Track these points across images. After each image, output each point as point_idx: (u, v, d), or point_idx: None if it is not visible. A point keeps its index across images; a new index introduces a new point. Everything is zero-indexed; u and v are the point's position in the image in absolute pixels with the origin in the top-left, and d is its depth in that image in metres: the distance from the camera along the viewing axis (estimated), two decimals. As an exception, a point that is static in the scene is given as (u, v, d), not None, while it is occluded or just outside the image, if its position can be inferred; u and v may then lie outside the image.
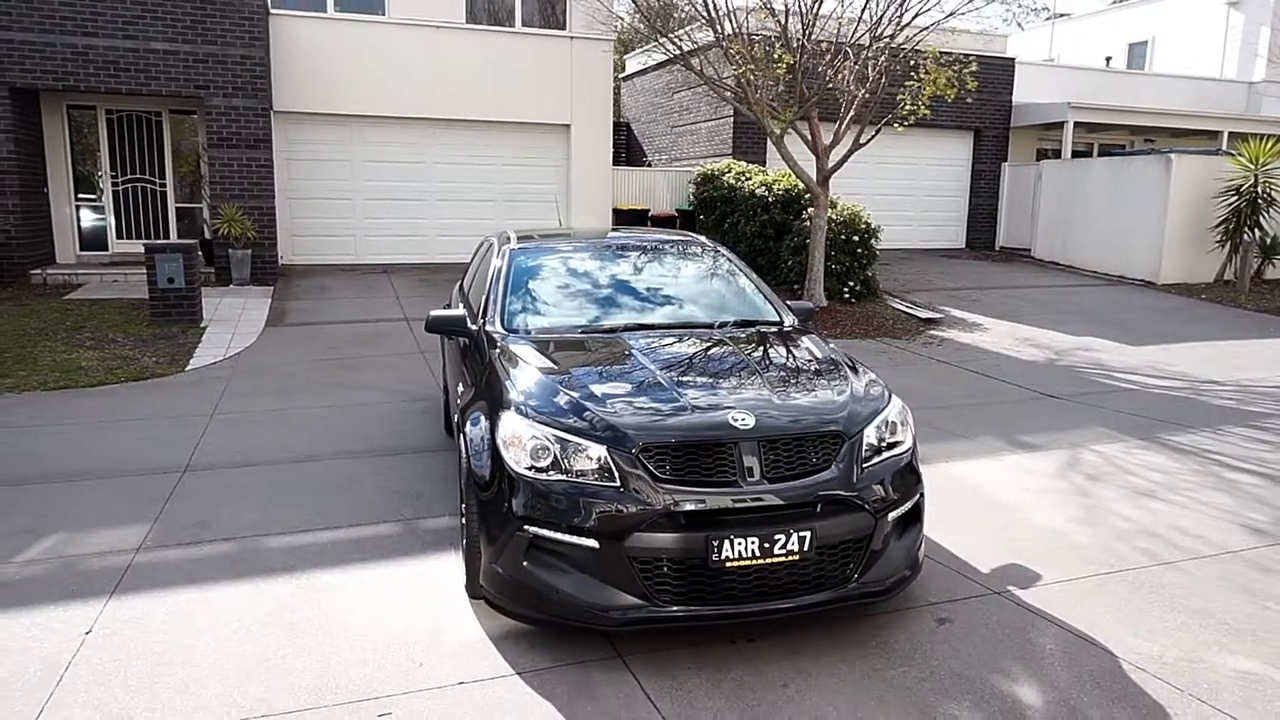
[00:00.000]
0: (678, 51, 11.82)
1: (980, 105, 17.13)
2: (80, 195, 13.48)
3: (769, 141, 13.81)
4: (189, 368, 8.65)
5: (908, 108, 11.10)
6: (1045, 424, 7.02)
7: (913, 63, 11.08)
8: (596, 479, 3.22)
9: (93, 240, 13.62)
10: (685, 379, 3.72)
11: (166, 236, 13.80)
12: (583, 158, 15.55)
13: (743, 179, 14.22)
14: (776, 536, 3.19)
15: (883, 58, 10.92)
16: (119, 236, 13.66)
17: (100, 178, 13.51)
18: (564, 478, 3.24)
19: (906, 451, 3.66)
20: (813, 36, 10.84)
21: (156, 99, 12.97)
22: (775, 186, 13.55)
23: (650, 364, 3.81)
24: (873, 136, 11.29)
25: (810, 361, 4.08)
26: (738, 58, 10.84)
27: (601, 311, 4.58)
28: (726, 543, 3.14)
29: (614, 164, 20.13)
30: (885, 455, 3.56)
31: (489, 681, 3.16)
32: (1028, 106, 17.29)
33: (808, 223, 12.09)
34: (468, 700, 3.05)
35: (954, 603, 3.81)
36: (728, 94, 11.75)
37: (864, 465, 3.44)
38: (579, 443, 3.27)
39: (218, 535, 4.63)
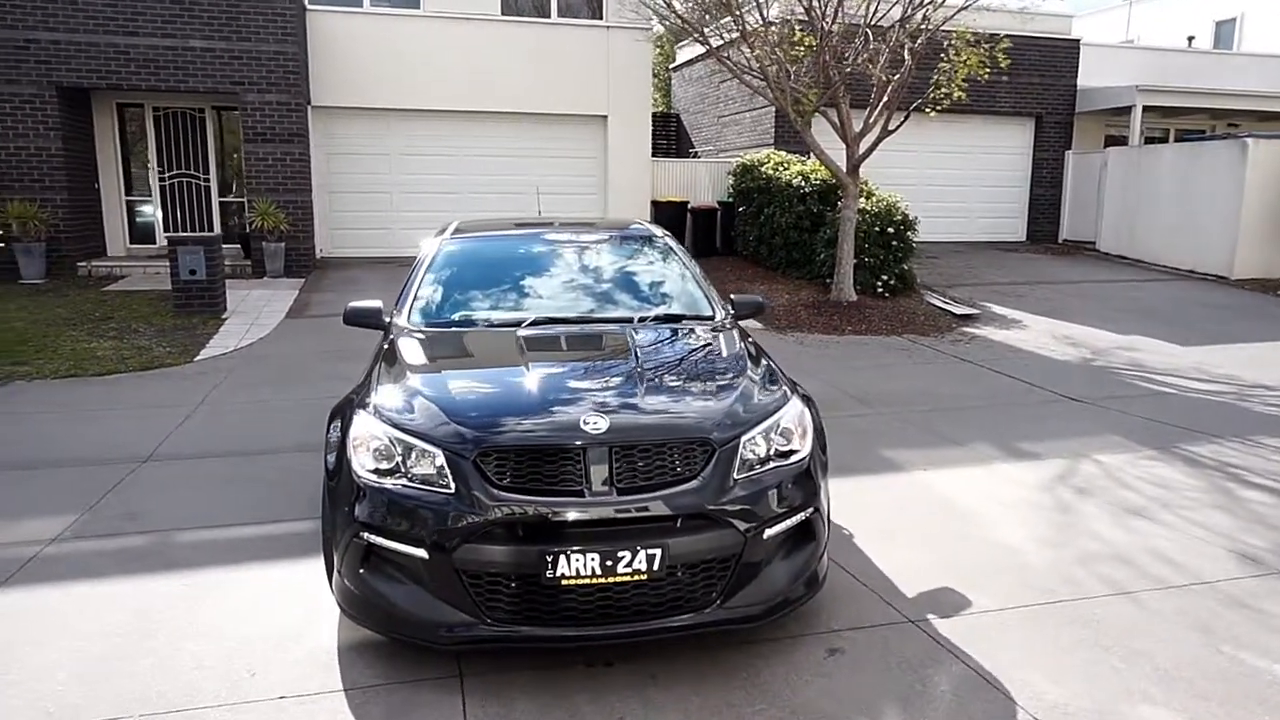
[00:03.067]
0: (699, 36, 11.44)
1: (1042, 90, 16.22)
2: (130, 190, 13.95)
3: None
4: (198, 358, 8.77)
5: (941, 91, 10.49)
6: (1054, 430, 6.47)
7: (945, 44, 10.46)
8: (432, 484, 2.99)
9: (143, 233, 14.08)
10: (556, 378, 3.46)
11: (210, 230, 14.16)
12: (620, 149, 15.32)
13: (780, 169, 13.76)
14: (620, 554, 2.90)
15: (919, 40, 10.34)
16: (166, 229, 14.07)
17: (149, 173, 13.95)
18: (402, 483, 3.03)
19: (801, 461, 3.31)
20: (839, 18, 10.33)
21: (197, 96, 13.28)
22: (812, 177, 13.06)
23: (528, 362, 3.55)
24: (901, 123, 10.70)
25: (709, 360, 3.75)
26: (754, 41, 10.42)
27: (511, 305, 4.35)
28: (562, 558, 2.87)
29: (663, 155, 19.88)
30: (771, 465, 3.22)
31: (310, 697, 2.97)
32: (1093, 91, 16.25)
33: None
34: (278, 717, 2.86)
35: (857, 631, 3.44)
36: (755, 81, 11.31)
37: (738, 476, 3.12)
38: (421, 446, 3.05)
39: (138, 528, 4.58)
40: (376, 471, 3.07)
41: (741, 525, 3.04)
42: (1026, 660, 3.23)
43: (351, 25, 14.11)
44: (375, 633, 3.20)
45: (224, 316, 10.44)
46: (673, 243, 5.06)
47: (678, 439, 3.09)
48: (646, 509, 2.97)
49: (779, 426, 3.32)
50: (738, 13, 10.61)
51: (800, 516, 3.25)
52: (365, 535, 3.03)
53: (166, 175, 14.04)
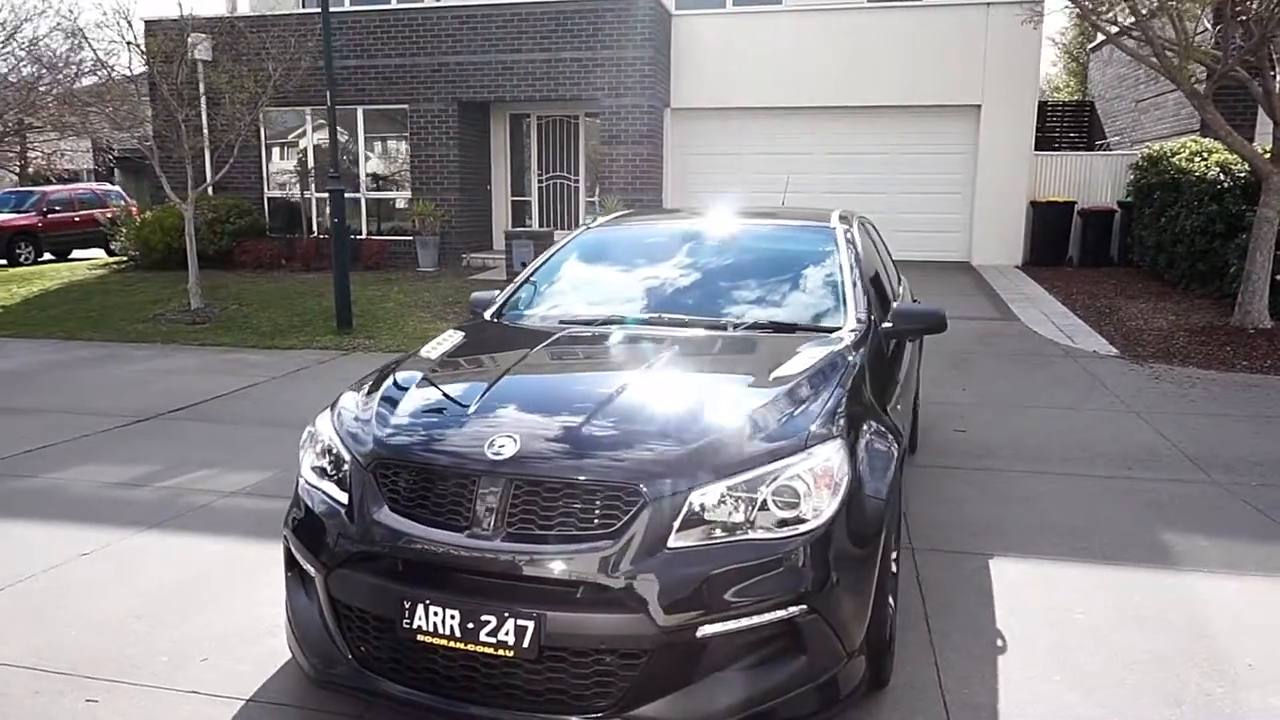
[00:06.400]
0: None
1: None
2: (514, 191, 15.65)
3: (1261, 110, 10.41)
4: (502, 343, 9.42)
5: None
6: None
7: None
8: (336, 494, 2.63)
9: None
10: (516, 389, 2.87)
11: (575, 227, 15.31)
12: (994, 143, 13.46)
13: (1195, 160, 10.94)
14: (485, 617, 2.26)
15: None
16: (540, 225, 15.55)
17: (530, 175, 15.52)
18: (323, 487, 2.71)
19: (809, 533, 2.33)
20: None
21: (567, 103, 14.38)
22: (1237, 169, 10.17)
23: (513, 369, 3.03)
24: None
25: (736, 383, 2.83)
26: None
27: (597, 301, 3.79)
28: (420, 608, 2.32)
29: (1070, 149, 17.16)
30: (745, 536, 2.31)
31: (214, 698, 2.79)
32: None
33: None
34: (171, 711, 2.73)
35: (870, 796, 2.34)
36: (1142, 48, 9.04)
37: (677, 544, 2.27)
38: (340, 451, 2.70)
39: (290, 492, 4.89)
40: (315, 470, 2.80)
41: (657, 613, 2.21)
42: None
43: (714, 26, 14.24)
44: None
45: (548, 307, 11.12)
46: (843, 241, 4.04)
47: (598, 482, 2.34)
48: (528, 566, 2.28)
49: (775, 481, 2.36)
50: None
51: (777, 615, 2.28)
52: (288, 540, 2.77)
53: (544, 177, 15.48)
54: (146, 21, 13.93)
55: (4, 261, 16.87)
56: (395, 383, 2.98)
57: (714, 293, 3.75)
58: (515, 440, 2.44)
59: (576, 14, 13.31)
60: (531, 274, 4.16)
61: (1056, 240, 13.48)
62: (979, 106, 13.48)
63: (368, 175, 14.82)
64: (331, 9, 14.29)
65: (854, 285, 3.65)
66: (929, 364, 7.89)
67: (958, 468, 5.32)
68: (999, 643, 3.20)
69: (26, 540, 4.18)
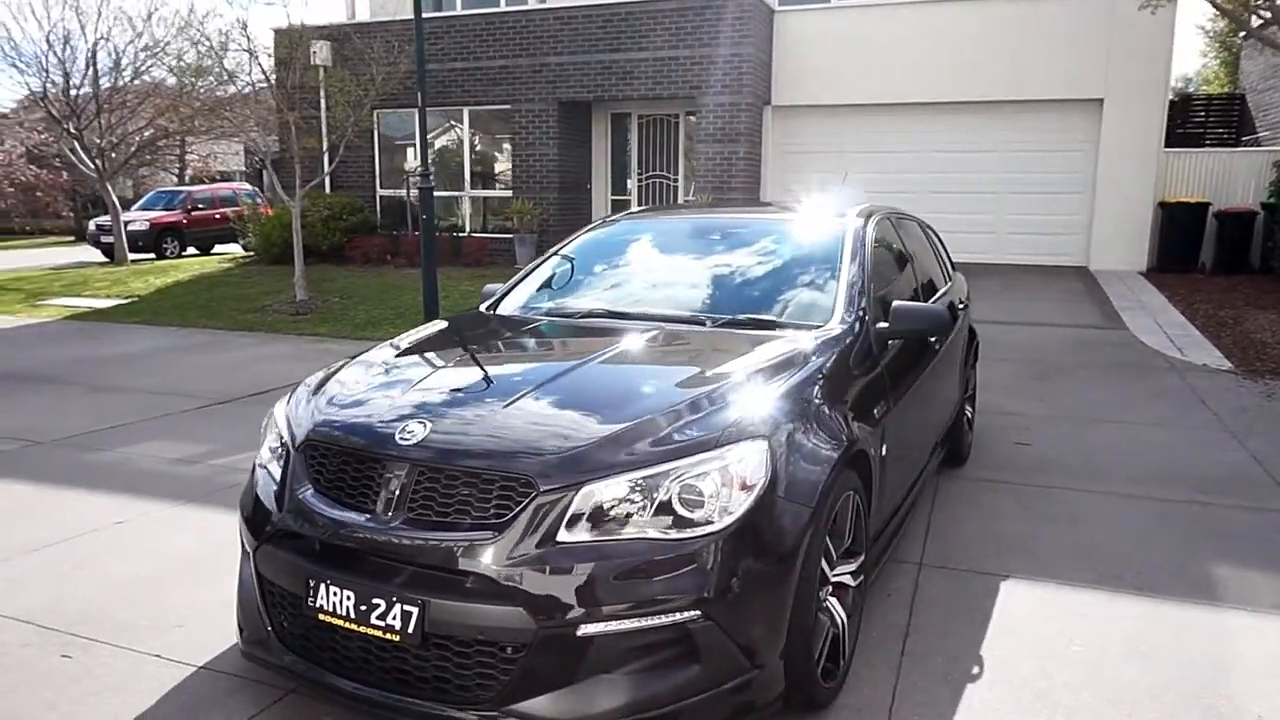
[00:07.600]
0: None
1: None
2: (614, 190, 15.78)
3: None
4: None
5: None
6: None
7: None
8: (276, 474, 2.71)
9: (622, 229, 15.84)
10: (457, 378, 2.90)
11: (673, 227, 15.28)
12: (1116, 139, 12.56)
13: (1346, 156, 9.88)
14: (375, 600, 2.27)
15: None
16: (639, 226, 15.61)
17: (629, 174, 15.61)
18: (266, 466, 2.80)
19: (712, 535, 2.23)
20: None
21: (664, 102, 14.36)
22: (1392, 165, 9.12)
23: (467, 359, 3.06)
24: None
25: (679, 376, 2.74)
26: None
27: (585, 296, 3.78)
28: (323, 587, 2.36)
29: (1218, 144, 15.83)
30: (643, 535, 2.23)
31: (169, 662, 2.93)
32: None
33: None
34: (130, 669, 2.88)
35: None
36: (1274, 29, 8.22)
37: (568, 538, 2.21)
38: (284, 434, 2.79)
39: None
40: (268, 451, 2.89)
41: (536, 607, 2.16)
42: None
43: (816, 22, 13.94)
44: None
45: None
46: (849, 238, 3.80)
47: (494, 471, 2.31)
48: (417, 551, 2.28)
49: (680, 478, 2.27)
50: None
51: (669, 619, 2.18)
52: (240, 517, 2.89)
53: (643, 176, 15.53)
54: (275, 31, 14.87)
55: (152, 255, 18.40)
56: (348, 369, 3.05)
57: (702, 288, 3.66)
58: (425, 427, 2.45)
59: (676, 13, 13.28)
60: (536, 267, 4.18)
61: (1187, 244, 12.44)
62: (1100, 101, 12.60)
63: (472, 174, 15.28)
64: (441, 13, 14.86)
65: (849, 284, 3.47)
66: (1005, 372, 7.46)
67: (1007, 482, 4.99)
68: (975, 670, 2.97)
69: (76, 506, 4.52)
